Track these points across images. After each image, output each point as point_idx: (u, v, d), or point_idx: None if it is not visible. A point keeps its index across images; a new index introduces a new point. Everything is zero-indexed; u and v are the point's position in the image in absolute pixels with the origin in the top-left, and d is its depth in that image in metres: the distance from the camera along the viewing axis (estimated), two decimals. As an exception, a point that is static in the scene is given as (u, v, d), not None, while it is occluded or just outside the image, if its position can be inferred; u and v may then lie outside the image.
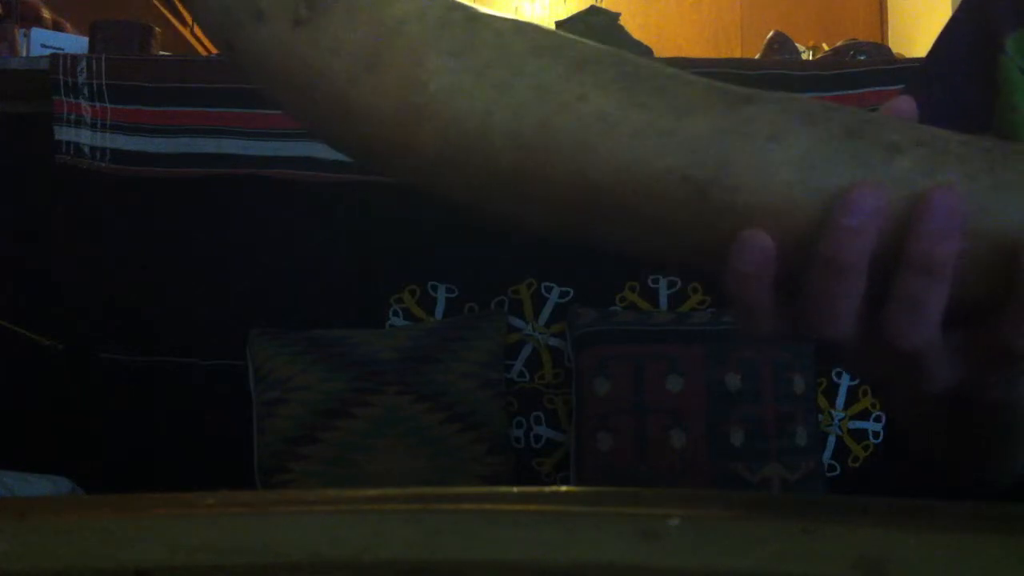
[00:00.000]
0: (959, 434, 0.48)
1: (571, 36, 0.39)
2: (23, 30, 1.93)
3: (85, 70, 1.64)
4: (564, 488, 0.37)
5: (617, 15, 2.02)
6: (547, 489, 0.37)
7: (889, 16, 4.41)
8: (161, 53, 1.91)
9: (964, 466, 0.51)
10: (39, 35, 1.93)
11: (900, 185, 0.35)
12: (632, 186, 0.36)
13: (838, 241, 0.34)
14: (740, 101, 0.37)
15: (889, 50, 2.25)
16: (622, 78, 0.37)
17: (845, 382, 1.67)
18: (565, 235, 0.39)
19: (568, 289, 1.68)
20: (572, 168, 0.36)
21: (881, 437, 1.66)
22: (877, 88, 1.67)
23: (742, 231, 0.35)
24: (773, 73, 1.72)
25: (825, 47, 2.67)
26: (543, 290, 1.68)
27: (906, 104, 0.40)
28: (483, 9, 0.39)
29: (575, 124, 0.36)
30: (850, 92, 1.67)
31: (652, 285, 1.68)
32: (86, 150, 1.64)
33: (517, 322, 1.68)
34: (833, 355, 0.40)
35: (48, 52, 1.76)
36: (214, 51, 3.72)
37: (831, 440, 1.66)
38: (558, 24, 2.06)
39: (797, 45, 2.29)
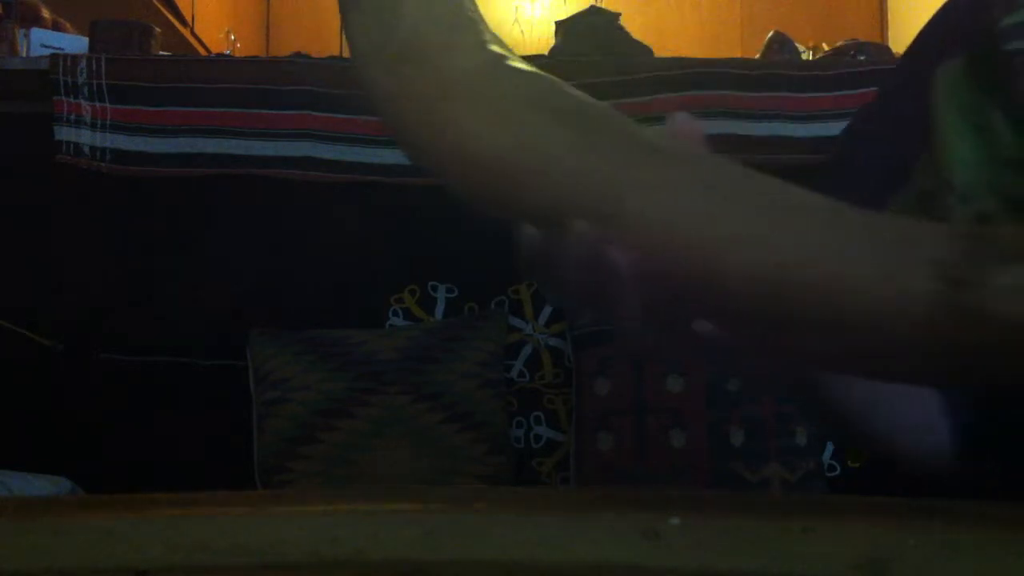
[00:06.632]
0: None
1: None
2: (23, 30, 1.93)
3: (85, 70, 1.64)
4: (564, 488, 0.37)
5: (617, 15, 2.02)
6: (547, 489, 0.37)
7: (889, 16, 4.42)
8: (161, 53, 1.91)
9: None
10: (39, 35, 1.94)
11: None
12: None
13: None
14: None
15: (889, 50, 2.25)
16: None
17: (845, 382, 1.67)
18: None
19: (568, 289, 1.68)
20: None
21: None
22: (877, 88, 1.67)
23: None
24: (773, 73, 1.71)
25: (825, 47, 2.67)
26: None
27: (692, 126, 0.43)
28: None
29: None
30: (850, 92, 1.67)
31: (652, 285, 1.68)
32: (86, 150, 1.64)
33: (517, 322, 1.68)
34: None
35: (48, 52, 1.77)
36: (214, 51, 3.72)
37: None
38: (558, 24, 2.06)
39: (797, 45, 2.29)
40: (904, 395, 0.55)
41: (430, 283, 1.69)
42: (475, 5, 0.47)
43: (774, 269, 0.37)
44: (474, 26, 0.46)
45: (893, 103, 0.65)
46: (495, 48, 0.45)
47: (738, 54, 4.08)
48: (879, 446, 0.59)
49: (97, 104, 1.64)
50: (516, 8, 4.74)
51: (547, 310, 1.68)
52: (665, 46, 3.60)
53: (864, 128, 0.69)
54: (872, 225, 0.38)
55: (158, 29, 1.93)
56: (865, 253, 0.37)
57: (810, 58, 2.59)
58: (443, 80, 0.44)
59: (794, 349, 0.41)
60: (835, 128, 1.66)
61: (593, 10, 2.18)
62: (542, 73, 0.45)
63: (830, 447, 1.66)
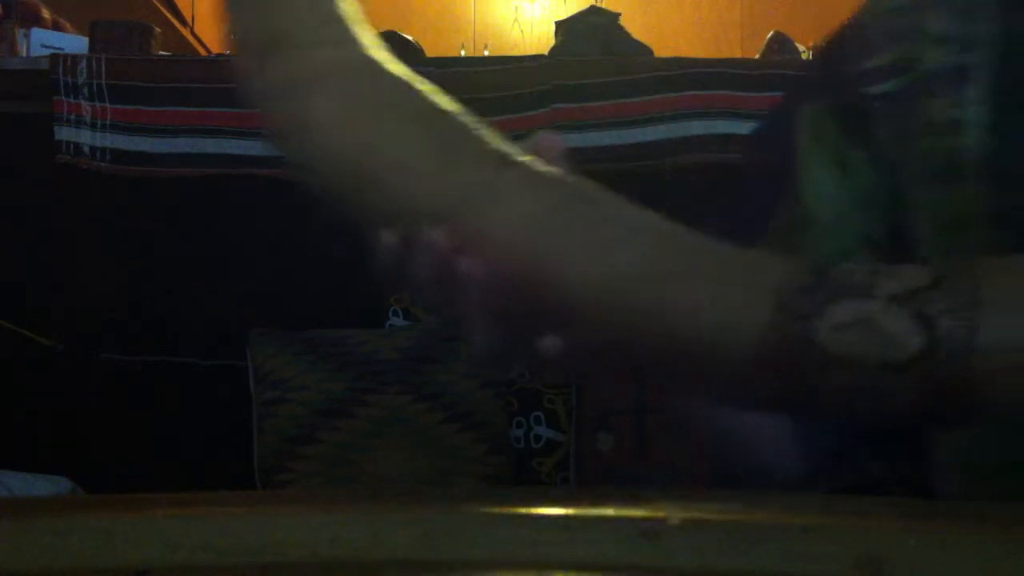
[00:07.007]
0: None
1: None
2: (23, 30, 1.93)
3: (85, 70, 1.64)
4: (564, 488, 0.38)
5: (617, 15, 2.02)
6: (547, 489, 0.38)
7: (889, 16, 4.41)
8: (161, 53, 1.91)
9: None
10: (39, 35, 1.94)
11: None
12: None
13: None
14: None
15: (889, 50, 2.24)
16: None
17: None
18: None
19: (568, 289, 1.68)
20: None
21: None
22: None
23: None
24: (773, 73, 1.71)
25: (825, 47, 2.67)
26: (543, 290, 1.68)
27: (553, 140, 0.44)
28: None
29: None
30: (850, 92, 1.67)
31: (652, 285, 1.68)
32: (86, 150, 1.64)
33: (517, 322, 1.68)
34: None
35: (48, 52, 1.77)
36: (214, 51, 3.72)
37: (831, 440, 1.66)
38: (558, 24, 2.06)
39: (797, 45, 2.29)
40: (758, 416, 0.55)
41: (430, 283, 1.68)
42: (355, 8, 0.48)
43: (613, 285, 0.39)
44: (346, 25, 0.47)
45: (774, 130, 0.66)
46: (369, 50, 0.46)
47: (738, 54, 4.07)
48: (740, 460, 0.60)
49: (97, 104, 1.64)
50: (516, 8, 4.75)
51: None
52: (665, 46, 3.60)
53: (763, 137, 0.70)
54: (716, 253, 0.40)
55: (158, 29, 1.93)
56: (705, 278, 0.39)
57: (810, 58, 2.59)
58: (308, 72, 0.45)
59: (635, 364, 0.43)
60: (835, 128, 1.66)
61: (593, 10, 2.18)
62: (412, 79, 0.45)
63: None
